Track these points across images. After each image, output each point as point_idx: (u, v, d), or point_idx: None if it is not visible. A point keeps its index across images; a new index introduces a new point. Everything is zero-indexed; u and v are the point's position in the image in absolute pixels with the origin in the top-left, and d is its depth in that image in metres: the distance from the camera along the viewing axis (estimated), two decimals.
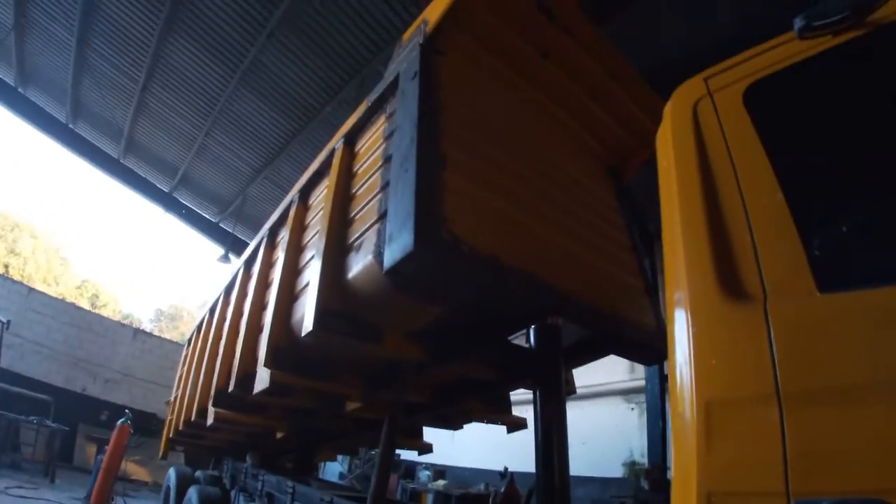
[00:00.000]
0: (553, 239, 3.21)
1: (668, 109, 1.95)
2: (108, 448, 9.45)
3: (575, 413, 10.58)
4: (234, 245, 13.75)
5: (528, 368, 3.78)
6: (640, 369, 9.89)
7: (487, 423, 5.21)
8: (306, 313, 3.07)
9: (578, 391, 9.77)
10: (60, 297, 18.19)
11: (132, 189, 14.26)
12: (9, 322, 7.61)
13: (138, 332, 15.68)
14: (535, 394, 3.55)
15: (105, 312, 24.93)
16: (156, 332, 21.23)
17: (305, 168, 4.45)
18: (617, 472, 9.26)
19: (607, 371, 8.80)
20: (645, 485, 8.85)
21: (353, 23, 8.23)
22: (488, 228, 2.70)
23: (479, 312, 3.28)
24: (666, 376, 9.58)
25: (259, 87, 10.14)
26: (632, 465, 9.47)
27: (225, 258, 13.60)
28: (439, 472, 11.41)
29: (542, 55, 3.49)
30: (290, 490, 4.82)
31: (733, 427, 1.39)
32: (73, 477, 10.85)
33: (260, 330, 4.31)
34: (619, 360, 9.54)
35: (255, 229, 5.23)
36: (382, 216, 2.75)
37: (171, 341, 16.38)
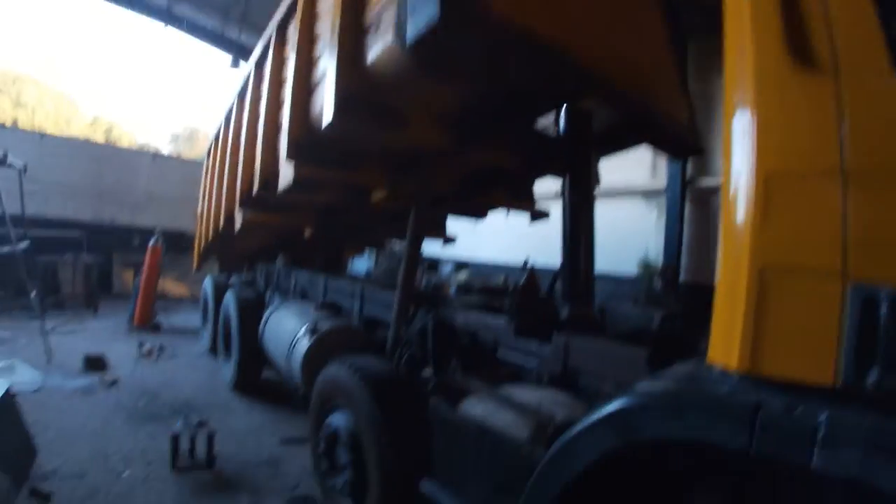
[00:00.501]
0: (588, 17, 2.96)
1: None
2: (144, 270, 9.83)
3: (597, 210, 10.74)
4: (241, 53, 13.14)
5: (557, 154, 3.72)
6: (662, 171, 9.82)
7: (511, 211, 5.28)
8: (325, 103, 2.98)
9: (597, 190, 9.87)
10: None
11: (128, 7, 13.48)
12: (25, 166, 7.52)
13: (157, 156, 15.69)
14: (563, 180, 3.52)
15: (122, 145, 24.92)
16: (174, 156, 21.20)
17: None
18: (632, 270, 9.54)
19: (628, 171, 8.72)
20: (658, 284, 9.13)
21: None
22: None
23: (507, 94, 3.13)
24: (689, 178, 9.57)
25: None
26: (647, 265, 9.73)
27: (235, 63, 13.11)
28: (461, 265, 11.81)
29: None
30: (323, 284, 5.09)
31: (794, 201, 1.33)
32: (116, 304, 11.34)
33: (278, 129, 4.24)
34: (641, 161, 9.54)
35: (261, 32, 4.94)
36: None
37: (190, 160, 16.39)
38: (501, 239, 10.66)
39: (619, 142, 3.96)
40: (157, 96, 72.98)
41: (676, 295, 9.13)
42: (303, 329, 4.11)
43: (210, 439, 4.12)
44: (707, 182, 9.71)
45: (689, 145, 4.19)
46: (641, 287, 9.28)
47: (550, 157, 3.90)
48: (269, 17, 4.80)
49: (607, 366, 2.38)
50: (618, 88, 3.14)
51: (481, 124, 3.38)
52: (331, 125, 2.88)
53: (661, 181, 9.84)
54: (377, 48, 2.74)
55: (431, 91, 2.95)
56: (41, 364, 6.47)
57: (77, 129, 33.11)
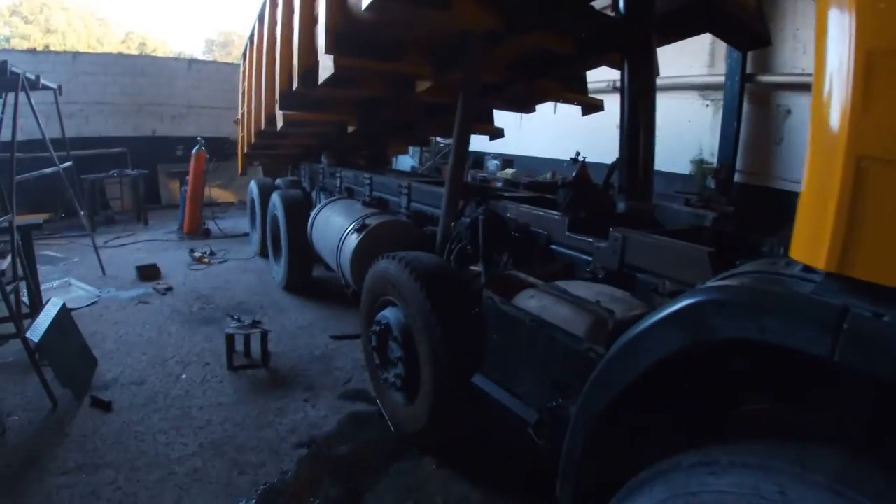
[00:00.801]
0: None
1: None
2: (189, 178, 9.79)
3: None
4: None
5: (615, 39, 3.44)
6: (721, 65, 9.24)
7: (563, 102, 5.03)
8: None
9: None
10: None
11: None
12: (60, 87, 7.42)
13: (193, 63, 15.33)
14: (622, 67, 3.26)
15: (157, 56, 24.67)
16: (210, 62, 20.91)
17: None
18: (684, 168, 9.18)
19: (683, 62, 8.23)
20: (711, 183, 8.82)
21: None
22: None
23: None
24: (750, 75, 8.98)
25: None
26: (700, 163, 9.34)
27: None
28: (507, 161, 11.45)
29: None
30: (368, 181, 5.00)
31: None
32: (164, 214, 11.48)
33: (315, 21, 4.04)
34: (698, 53, 8.98)
35: None
36: None
37: (227, 63, 16.02)
38: (549, 133, 10.34)
39: (682, 28, 3.65)
40: (186, 5, 71.67)
41: (730, 196, 8.84)
42: (351, 225, 4.07)
43: (263, 338, 4.22)
44: (768, 78, 9.14)
45: (757, 36, 3.84)
46: (695, 186, 8.95)
47: (607, 41, 3.62)
48: None
49: (667, 264, 2.23)
50: None
51: (533, 2, 3.12)
52: (371, 6, 2.68)
53: (719, 76, 9.30)
54: None
55: None
56: (96, 279, 6.64)
57: (111, 46, 32.93)
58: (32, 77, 5.99)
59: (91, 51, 22.58)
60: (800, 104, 8.77)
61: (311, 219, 5.10)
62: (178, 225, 9.84)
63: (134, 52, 32.03)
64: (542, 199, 4.05)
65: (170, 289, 6.19)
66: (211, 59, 29.43)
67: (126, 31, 38.99)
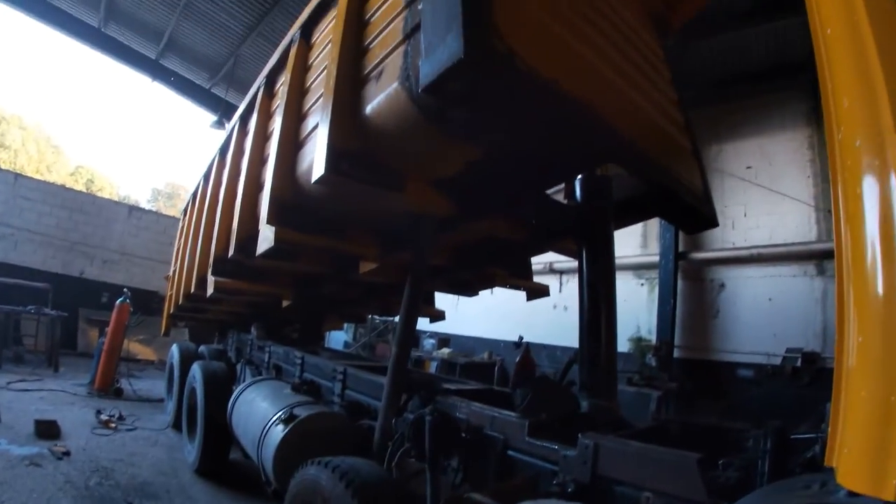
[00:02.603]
0: (611, 77, 2.69)
1: None
2: (109, 329, 9.19)
3: None
4: (227, 111, 12.89)
5: (572, 225, 3.34)
6: (653, 244, 9.66)
7: (510, 288, 4.86)
8: (316, 158, 2.60)
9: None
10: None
11: (116, 59, 13.24)
12: None
13: (133, 209, 15.07)
14: (580, 253, 3.13)
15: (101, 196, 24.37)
16: (152, 211, 20.69)
17: None
18: (622, 346, 9.14)
19: (619, 245, 8.52)
20: (652, 361, 8.82)
21: None
22: (544, 49, 2.17)
23: (523, 157, 2.78)
24: (682, 252, 9.34)
25: None
26: (638, 341, 9.43)
27: (218, 124, 12.82)
28: (443, 340, 11.40)
29: None
30: (300, 361, 4.57)
31: None
32: (78, 363, 10.71)
33: (260, 188, 3.87)
34: (631, 234, 9.31)
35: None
36: (411, 34, 2.24)
37: (167, 216, 15.79)
38: (486, 314, 10.35)
39: (636, 214, 3.62)
40: (141, 151, 73.19)
41: (671, 372, 8.78)
42: (277, 414, 3.55)
43: None
44: (701, 255, 9.52)
45: (705, 219, 3.86)
46: (635, 364, 8.91)
47: (562, 228, 3.53)
48: (257, 74, 4.53)
49: (649, 474, 1.93)
50: (643, 152, 2.86)
51: (489, 191, 3.01)
52: (322, 178, 2.47)
53: (653, 255, 9.65)
54: (379, 98, 2.40)
55: (436, 149, 2.58)
56: None
57: (59, 176, 32.69)
58: None
59: (38, 176, 22.12)
60: (732, 277, 9.10)
61: (232, 398, 4.55)
62: (90, 378, 9.03)
63: (81, 186, 31.72)
64: (490, 392, 3.72)
65: (67, 453, 5.38)
66: (155, 208, 29.35)
67: (77, 164, 39.02)
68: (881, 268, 1.05)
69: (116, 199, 25.90)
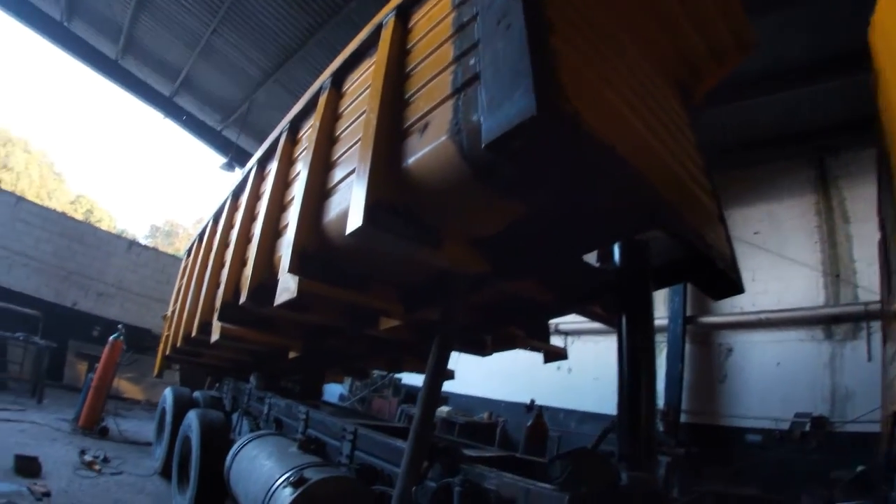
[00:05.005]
0: (653, 143, 2.68)
1: None
2: (100, 365, 8.88)
3: (588, 347, 10.19)
4: (237, 155, 12.92)
5: (603, 288, 3.21)
6: (662, 309, 9.54)
7: (529, 350, 4.67)
8: (352, 209, 2.47)
9: (591, 327, 9.50)
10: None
11: (130, 92, 13.27)
12: None
13: (133, 244, 14.82)
14: (619, 317, 2.98)
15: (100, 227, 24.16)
16: (151, 247, 20.48)
17: (323, 69, 3.84)
18: None
19: None
20: (659, 426, 8.60)
21: None
22: (602, 113, 2.13)
23: (563, 219, 2.66)
24: (690, 317, 9.23)
25: None
26: None
27: (228, 166, 12.80)
28: (442, 398, 11.10)
29: None
30: (304, 416, 4.34)
31: None
32: (63, 396, 10.39)
33: (278, 234, 3.76)
34: None
35: (261, 139, 4.65)
36: (462, 88, 2.18)
37: (167, 254, 15.61)
38: (487, 373, 10.15)
39: (669, 278, 3.49)
40: (142, 185, 73.41)
41: (678, 437, 8.56)
42: (283, 476, 3.30)
43: None
44: (709, 319, 9.41)
45: (733, 283, 3.77)
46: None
47: (593, 292, 3.40)
48: (271, 125, 4.47)
49: None
50: (684, 217, 2.79)
51: (526, 252, 2.88)
52: (357, 233, 2.34)
53: (662, 318, 9.53)
54: (424, 151, 2.32)
55: (480, 206, 2.46)
56: None
57: (59, 204, 32.61)
58: None
59: (39, 201, 21.97)
60: (740, 342, 8.99)
61: (232, 452, 4.28)
62: (76, 413, 8.67)
63: (81, 215, 31.57)
64: (514, 460, 3.52)
65: (47, 494, 5.05)
66: (153, 244, 29.16)
67: (78, 193, 39.04)
68: None
69: (114, 231, 25.73)
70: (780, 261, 8.85)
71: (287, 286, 3.11)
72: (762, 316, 8.66)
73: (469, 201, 2.40)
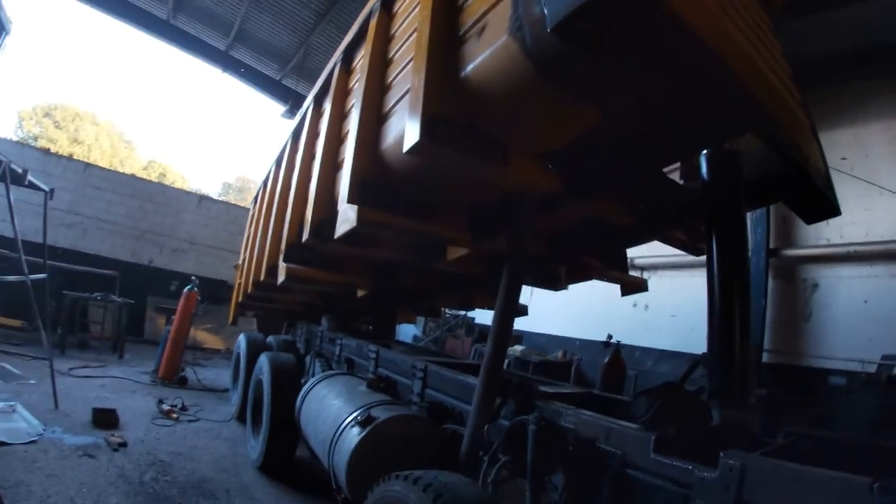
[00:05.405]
0: (739, 37, 2.31)
1: None
2: (175, 317, 9.13)
3: (664, 283, 9.76)
4: (297, 102, 12.79)
5: (689, 208, 2.93)
6: None
7: (606, 281, 4.43)
8: (408, 126, 2.29)
9: (668, 261, 9.12)
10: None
11: (186, 51, 13.37)
12: (52, 190, 6.95)
13: (203, 199, 15.15)
14: (709, 239, 2.71)
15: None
16: (221, 200, 20.99)
17: None
18: (706, 348, 8.60)
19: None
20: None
21: None
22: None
23: (641, 125, 2.38)
24: (774, 249, 8.67)
25: None
26: None
27: (289, 113, 12.80)
28: (515, 337, 10.88)
29: None
30: (374, 355, 4.29)
31: None
32: (143, 350, 10.75)
33: (338, 167, 3.62)
34: None
35: None
36: None
37: (237, 206, 15.84)
38: (561, 310, 9.91)
39: (761, 197, 3.16)
40: (211, 145, 75.52)
41: (759, 377, 8.18)
42: (352, 415, 3.25)
43: None
44: (794, 252, 8.82)
45: (830, 205, 3.39)
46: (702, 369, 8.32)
47: (677, 212, 3.11)
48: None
49: (808, 502, 1.57)
50: (779, 122, 2.45)
51: (601, 166, 2.62)
52: (415, 150, 2.16)
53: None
54: (483, 55, 2.08)
55: (549, 112, 2.20)
56: (46, 411, 5.76)
57: (131, 170, 33.88)
58: (19, 170, 5.48)
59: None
60: (826, 276, 8.36)
61: (302, 393, 4.29)
62: (154, 366, 8.97)
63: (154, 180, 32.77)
64: (591, 397, 3.34)
65: (124, 444, 5.20)
66: (226, 200, 29.93)
67: (150, 159, 40.42)
68: None
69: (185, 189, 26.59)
70: (869, 190, 8.11)
71: (347, 216, 2.98)
72: (850, 249, 8.00)
73: (536, 107, 2.16)
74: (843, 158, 8.50)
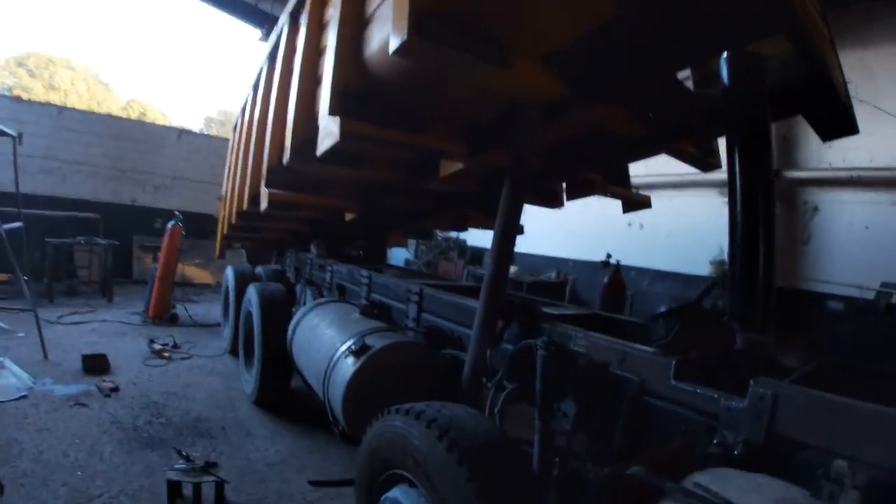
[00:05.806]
0: None
1: None
2: (161, 254, 8.88)
3: (661, 203, 9.58)
4: (273, 26, 12.29)
5: (708, 119, 2.68)
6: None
7: (609, 197, 4.22)
8: (394, 22, 1.97)
9: (665, 180, 8.93)
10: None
11: None
12: (20, 136, 6.56)
13: (183, 133, 14.51)
14: (730, 149, 2.48)
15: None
16: (201, 133, 20.29)
17: None
18: (703, 269, 8.50)
19: None
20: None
21: None
22: None
23: (655, 21, 2.10)
24: (774, 171, 8.47)
25: None
26: (720, 265, 8.73)
27: (266, 37, 12.20)
28: None
29: None
30: (366, 280, 4.11)
31: None
32: (133, 291, 10.58)
33: (318, 81, 3.27)
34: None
35: None
36: None
37: (219, 137, 15.24)
38: (554, 231, 9.74)
39: (781, 107, 2.91)
40: (191, 81, 73.12)
41: (757, 299, 8.12)
42: (346, 344, 3.09)
43: (218, 490, 3.17)
44: (794, 174, 8.63)
45: (848, 120, 3.18)
46: (718, 289, 8.30)
47: (690, 122, 2.86)
48: None
49: (846, 434, 1.40)
50: (804, 24, 2.20)
51: (610, 68, 2.35)
52: (402, 49, 1.87)
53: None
54: None
55: (553, 6, 1.92)
56: (35, 363, 5.64)
57: (110, 111, 32.92)
58: None
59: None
60: (827, 200, 8.21)
61: (293, 323, 4.13)
62: (144, 306, 8.80)
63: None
64: (597, 318, 3.18)
65: (116, 389, 5.12)
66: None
67: (129, 99, 39.27)
68: None
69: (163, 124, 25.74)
70: (874, 114, 7.83)
71: (329, 131, 2.69)
72: (853, 174, 7.84)
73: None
74: (849, 82, 8.18)
